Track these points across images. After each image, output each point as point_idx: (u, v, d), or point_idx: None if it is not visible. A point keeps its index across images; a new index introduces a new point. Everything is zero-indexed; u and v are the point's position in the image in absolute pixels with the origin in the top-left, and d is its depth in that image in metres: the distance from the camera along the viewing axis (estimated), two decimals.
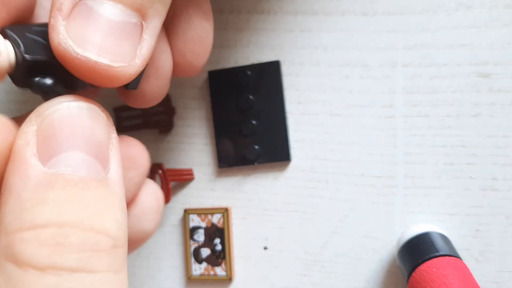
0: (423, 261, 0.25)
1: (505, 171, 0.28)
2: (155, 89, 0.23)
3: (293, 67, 0.30)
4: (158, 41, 0.21)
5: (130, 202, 0.22)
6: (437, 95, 0.28)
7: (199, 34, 0.23)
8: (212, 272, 0.32)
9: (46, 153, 0.15)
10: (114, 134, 0.18)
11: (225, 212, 0.31)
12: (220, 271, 0.31)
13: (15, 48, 0.17)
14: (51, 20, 0.17)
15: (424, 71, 0.28)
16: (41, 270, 0.14)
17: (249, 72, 0.30)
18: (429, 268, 0.25)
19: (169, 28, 0.23)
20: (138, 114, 0.32)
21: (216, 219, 0.31)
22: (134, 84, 0.21)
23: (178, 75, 0.24)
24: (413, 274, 0.26)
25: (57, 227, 0.15)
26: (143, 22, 0.18)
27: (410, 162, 0.29)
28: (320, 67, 0.29)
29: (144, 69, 0.19)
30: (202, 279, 0.32)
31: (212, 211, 0.31)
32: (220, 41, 0.31)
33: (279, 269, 0.31)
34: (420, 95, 0.28)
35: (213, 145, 0.32)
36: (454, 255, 0.26)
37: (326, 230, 0.30)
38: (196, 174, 0.32)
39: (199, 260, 0.32)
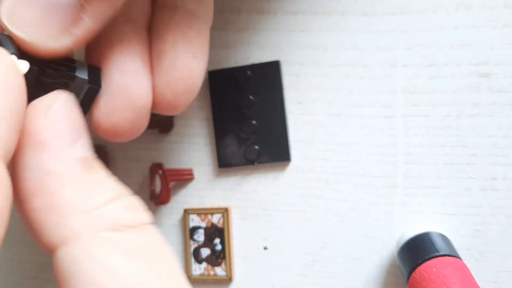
0: (423, 261, 0.25)
1: (505, 171, 0.28)
2: (128, 124, 0.21)
3: (293, 67, 0.30)
4: (136, 74, 0.21)
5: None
6: (437, 95, 0.28)
7: (184, 75, 0.22)
8: (212, 272, 0.32)
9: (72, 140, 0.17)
10: (80, 113, 0.19)
11: (225, 212, 0.31)
12: (220, 271, 0.31)
13: None
14: None
15: (424, 71, 0.28)
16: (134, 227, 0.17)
17: (249, 72, 0.30)
18: (429, 268, 0.25)
19: (153, 64, 0.22)
20: None
21: (216, 219, 0.31)
22: (95, 81, 0.20)
23: (158, 112, 0.23)
24: (413, 274, 0.26)
25: (123, 197, 0.17)
26: (85, 4, 0.18)
27: (410, 162, 0.29)
28: (320, 67, 0.29)
29: (99, 84, 0.20)
30: (202, 279, 0.32)
31: (212, 211, 0.31)
32: (220, 41, 0.31)
33: (279, 269, 0.31)
34: (420, 95, 0.28)
35: (213, 145, 0.32)
36: (454, 255, 0.26)
37: (326, 230, 0.30)
38: (196, 174, 0.32)
39: (199, 260, 0.32)
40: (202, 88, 0.32)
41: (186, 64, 0.22)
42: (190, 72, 0.22)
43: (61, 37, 0.18)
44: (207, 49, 0.23)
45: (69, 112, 0.17)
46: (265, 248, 0.31)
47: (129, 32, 0.21)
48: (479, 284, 0.24)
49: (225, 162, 0.31)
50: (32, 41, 0.18)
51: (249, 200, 0.31)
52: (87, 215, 0.16)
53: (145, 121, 0.22)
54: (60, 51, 0.18)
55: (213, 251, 0.31)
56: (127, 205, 0.17)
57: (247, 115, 0.30)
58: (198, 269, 0.32)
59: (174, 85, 0.22)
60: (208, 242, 0.32)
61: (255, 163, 0.31)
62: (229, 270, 0.31)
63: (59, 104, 0.17)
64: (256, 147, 0.30)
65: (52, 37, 0.18)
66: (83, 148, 0.17)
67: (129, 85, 0.20)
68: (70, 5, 0.18)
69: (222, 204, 0.32)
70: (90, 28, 0.18)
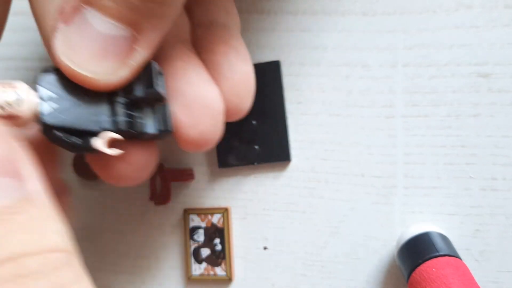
0: (423, 261, 0.25)
1: (505, 171, 0.28)
2: (212, 130, 0.22)
3: (293, 67, 0.30)
4: (206, 84, 0.22)
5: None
6: (437, 95, 0.28)
7: (244, 79, 0.24)
8: (212, 272, 0.32)
9: None
10: (15, 143, 0.17)
11: (225, 212, 0.31)
12: (220, 271, 0.31)
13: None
14: (52, 21, 0.18)
15: (424, 71, 0.28)
16: None
17: None
18: (429, 268, 0.25)
19: (212, 74, 0.23)
20: None
21: (216, 219, 0.31)
22: (165, 125, 0.21)
23: (225, 119, 0.24)
24: (413, 274, 0.26)
25: (11, 261, 0.14)
26: (137, 35, 0.18)
27: (410, 162, 0.29)
28: (320, 67, 0.29)
29: (167, 111, 0.21)
30: (202, 279, 0.32)
31: (212, 211, 0.31)
32: None
33: (279, 269, 0.31)
34: (420, 95, 0.28)
35: None
36: (454, 255, 0.26)
37: (326, 230, 0.30)
38: (196, 174, 0.32)
39: (199, 260, 0.32)
40: None
41: (242, 69, 0.24)
42: (247, 75, 0.24)
43: (119, 70, 0.19)
44: (248, 52, 0.25)
45: None
46: (265, 248, 0.31)
47: (184, 49, 0.22)
48: (479, 284, 0.24)
49: (225, 162, 0.31)
50: (92, 77, 0.18)
51: (249, 200, 0.31)
52: None
53: (222, 126, 0.23)
54: (118, 84, 0.19)
55: (213, 251, 0.31)
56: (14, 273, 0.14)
57: (247, 115, 0.30)
58: (198, 269, 0.32)
59: (238, 89, 0.24)
60: (208, 242, 0.32)
61: (255, 163, 0.31)
62: (229, 270, 0.31)
63: None
64: (256, 147, 0.30)
65: (111, 71, 0.19)
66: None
67: (204, 94, 0.22)
68: (124, 37, 0.18)
69: (222, 204, 0.32)
70: (144, 56, 0.19)
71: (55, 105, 0.18)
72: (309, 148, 0.30)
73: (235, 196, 0.32)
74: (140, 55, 0.19)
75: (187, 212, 0.32)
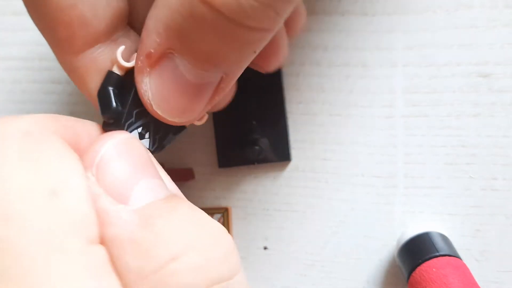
0: (423, 261, 0.25)
1: (505, 171, 0.28)
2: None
3: (293, 67, 0.30)
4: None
5: None
6: (437, 95, 0.28)
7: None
8: None
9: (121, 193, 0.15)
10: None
11: (225, 212, 0.31)
12: None
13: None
14: (139, 63, 0.18)
15: (424, 71, 0.28)
16: None
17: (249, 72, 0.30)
18: (429, 268, 0.25)
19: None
20: None
21: (216, 219, 0.31)
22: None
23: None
24: (413, 274, 0.26)
25: (190, 250, 0.14)
26: (225, 76, 0.18)
27: (410, 162, 0.29)
28: (320, 67, 0.29)
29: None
30: None
31: (212, 211, 0.31)
32: None
33: (279, 269, 0.31)
34: (420, 95, 0.28)
35: (213, 145, 0.32)
36: (454, 255, 0.26)
37: (326, 230, 0.30)
38: (196, 174, 0.32)
39: None
40: None
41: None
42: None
43: (205, 110, 0.19)
44: None
45: (122, 158, 0.16)
46: (265, 248, 0.31)
47: None
48: (479, 284, 0.24)
49: (225, 162, 0.31)
50: (181, 122, 0.19)
51: (249, 200, 0.31)
52: (147, 280, 0.14)
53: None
54: (196, 120, 0.20)
55: None
56: (196, 261, 0.14)
57: (247, 115, 0.30)
58: None
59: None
60: None
61: (255, 163, 0.31)
62: None
63: (111, 153, 0.16)
64: (256, 147, 0.30)
65: (198, 116, 0.19)
66: (143, 192, 0.15)
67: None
68: (214, 82, 0.18)
69: (222, 204, 0.32)
70: (224, 92, 0.19)
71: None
72: (309, 148, 0.30)
73: (235, 196, 0.32)
74: (224, 92, 0.18)
75: None
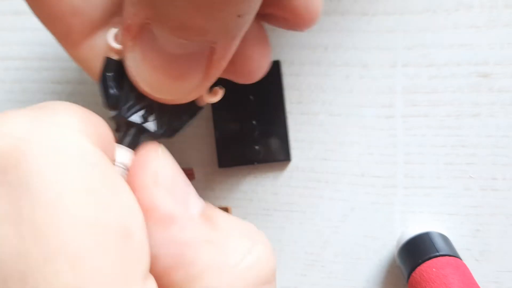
0: (423, 261, 0.25)
1: (505, 171, 0.28)
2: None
3: (293, 67, 0.30)
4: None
5: None
6: (437, 95, 0.28)
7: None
8: None
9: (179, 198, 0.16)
10: None
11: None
12: None
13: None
14: (122, 38, 0.17)
15: (424, 71, 0.28)
16: None
17: None
18: (429, 268, 0.25)
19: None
20: None
21: None
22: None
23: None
24: (413, 274, 0.26)
25: (254, 247, 0.16)
26: (215, 45, 0.16)
27: (410, 162, 0.29)
28: (320, 67, 0.29)
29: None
30: None
31: None
32: None
33: (279, 269, 0.31)
34: (420, 95, 0.28)
35: (213, 145, 0.32)
36: (454, 255, 0.26)
37: (326, 230, 0.30)
38: (196, 174, 0.32)
39: None
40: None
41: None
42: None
43: (200, 88, 0.18)
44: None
45: (173, 170, 0.16)
46: None
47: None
48: (479, 284, 0.24)
49: (225, 162, 0.31)
50: (171, 99, 0.18)
51: (249, 200, 0.31)
52: (230, 275, 0.15)
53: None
54: (194, 98, 0.19)
55: None
56: (264, 252, 0.16)
57: (247, 115, 0.30)
58: None
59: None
60: None
61: (255, 163, 0.31)
62: None
63: (163, 167, 0.16)
64: (256, 147, 0.30)
65: (189, 91, 0.18)
66: (195, 200, 0.16)
67: None
68: (200, 53, 0.17)
69: (222, 204, 0.32)
70: (220, 67, 0.18)
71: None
72: (309, 148, 0.30)
73: (235, 196, 0.32)
74: (215, 68, 0.17)
75: None
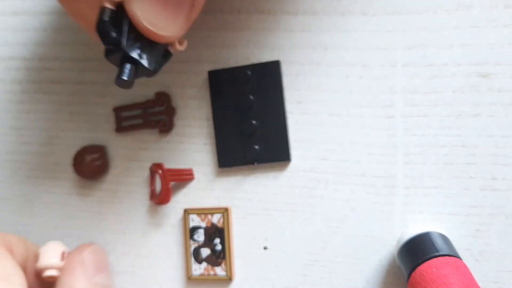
0: (423, 261, 0.25)
1: (505, 171, 0.28)
2: None
3: (293, 67, 0.30)
4: None
5: None
6: (437, 95, 0.28)
7: None
8: (212, 272, 0.32)
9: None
10: None
11: (225, 212, 0.31)
12: (220, 271, 0.31)
13: None
14: None
15: (424, 71, 0.28)
16: None
17: (249, 72, 0.30)
18: (429, 268, 0.25)
19: None
20: (138, 114, 0.32)
21: (216, 219, 0.31)
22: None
23: None
24: (413, 274, 0.26)
25: None
26: None
27: (410, 162, 0.29)
28: (320, 67, 0.29)
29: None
30: (202, 279, 0.32)
31: (212, 211, 0.31)
32: (220, 41, 0.31)
33: (279, 269, 0.31)
34: (420, 95, 0.28)
35: (213, 145, 0.32)
36: (454, 255, 0.26)
37: (326, 230, 0.30)
38: (196, 174, 0.32)
39: (199, 260, 0.32)
40: (202, 88, 0.32)
41: None
42: None
43: (185, 26, 0.23)
44: None
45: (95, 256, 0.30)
46: (265, 248, 0.31)
47: None
48: (479, 284, 0.24)
49: (225, 162, 0.31)
50: (168, 36, 0.23)
51: (249, 200, 0.31)
52: None
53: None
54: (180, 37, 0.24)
55: (213, 251, 0.31)
56: None
57: (247, 115, 0.30)
58: (198, 269, 0.32)
59: None
60: (208, 242, 0.32)
61: (255, 163, 0.31)
62: (229, 270, 0.31)
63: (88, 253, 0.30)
64: (256, 147, 0.30)
65: (180, 29, 0.23)
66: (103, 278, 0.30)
67: None
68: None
69: (222, 204, 0.32)
70: (200, 9, 0.23)
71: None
72: (309, 148, 0.30)
73: (235, 196, 0.32)
74: (198, 9, 0.22)
75: (187, 212, 0.32)
